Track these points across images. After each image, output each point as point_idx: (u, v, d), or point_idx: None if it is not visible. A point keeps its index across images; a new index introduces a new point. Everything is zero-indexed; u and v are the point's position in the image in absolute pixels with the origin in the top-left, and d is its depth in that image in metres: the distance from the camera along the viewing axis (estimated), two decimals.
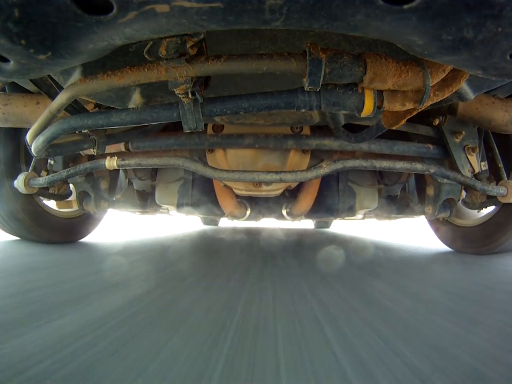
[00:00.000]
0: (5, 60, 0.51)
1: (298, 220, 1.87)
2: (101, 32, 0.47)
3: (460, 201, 1.44)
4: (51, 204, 1.65)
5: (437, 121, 1.14)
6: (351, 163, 1.09)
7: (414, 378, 0.42)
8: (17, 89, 1.16)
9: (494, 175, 1.38)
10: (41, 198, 1.51)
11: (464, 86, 0.81)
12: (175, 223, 4.13)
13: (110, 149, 1.23)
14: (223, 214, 1.63)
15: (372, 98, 0.63)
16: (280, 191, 1.46)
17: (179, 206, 1.58)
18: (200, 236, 2.79)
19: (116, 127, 0.91)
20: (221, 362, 0.45)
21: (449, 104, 1.10)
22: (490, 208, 1.57)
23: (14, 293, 0.74)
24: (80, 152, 1.32)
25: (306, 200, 1.53)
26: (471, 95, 0.84)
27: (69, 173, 1.20)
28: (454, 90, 0.65)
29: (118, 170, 1.62)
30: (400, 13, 0.42)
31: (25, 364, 0.42)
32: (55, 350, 0.46)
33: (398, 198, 1.74)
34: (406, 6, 0.41)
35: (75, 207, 1.57)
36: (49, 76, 0.89)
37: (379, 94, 0.64)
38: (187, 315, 0.64)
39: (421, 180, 1.60)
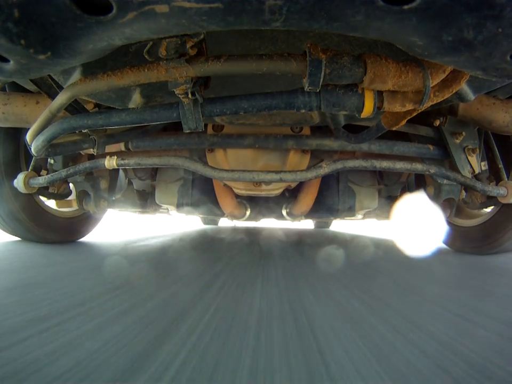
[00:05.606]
0: (5, 60, 0.51)
1: (298, 220, 1.87)
2: (101, 33, 0.47)
3: (460, 201, 1.44)
4: (50, 203, 1.65)
5: (437, 122, 1.14)
6: (351, 163, 1.09)
7: None
8: (17, 89, 1.16)
9: (494, 176, 1.38)
10: (41, 197, 1.51)
11: (464, 87, 0.81)
12: (174, 222, 4.13)
13: (110, 148, 1.22)
14: (223, 214, 1.63)
15: (371, 99, 0.63)
16: (280, 191, 1.46)
17: (179, 206, 1.58)
18: (201, 235, 2.78)
19: (116, 127, 0.91)
20: None
21: (450, 105, 1.10)
22: (491, 208, 1.58)
23: None
24: (80, 151, 1.32)
25: (306, 200, 1.53)
26: (471, 96, 0.84)
27: (69, 172, 1.20)
28: (454, 91, 0.65)
29: (118, 170, 1.62)
30: (400, 14, 0.42)
31: None
32: None
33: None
34: (406, 7, 0.41)
35: (75, 206, 1.57)
36: (49, 75, 0.89)
37: (379, 94, 0.64)
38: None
39: (420, 180, 1.60)
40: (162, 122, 0.84)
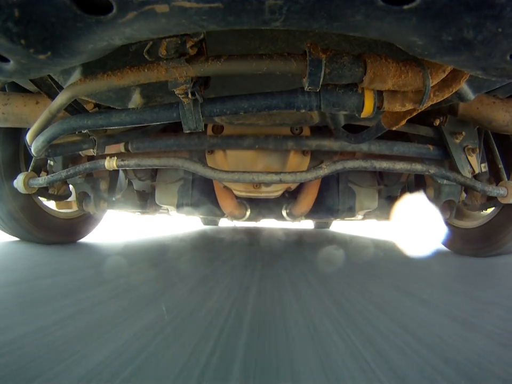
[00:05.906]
0: (5, 60, 0.51)
1: (298, 221, 1.86)
2: (101, 32, 0.46)
3: (460, 203, 1.43)
4: (50, 204, 1.64)
5: (437, 122, 1.14)
6: (351, 164, 1.09)
7: None
8: (17, 89, 1.16)
9: (494, 177, 1.38)
10: (41, 198, 1.51)
11: (464, 87, 0.81)
12: (174, 223, 4.12)
13: (109, 149, 1.22)
14: (223, 215, 1.63)
15: (371, 99, 0.63)
16: (280, 193, 1.46)
17: (179, 206, 1.58)
18: (201, 236, 2.78)
19: (116, 128, 0.91)
20: None
21: (450, 104, 1.10)
22: (491, 210, 1.57)
23: None
24: (80, 152, 1.31)
25: (306, 200, 1.52)
26: (471, 95, 0.83)
27: (69, 173, 1.20)
28: (454, 91, 0.65)
29: (118, 170, 1.61)
30: (400, 14, 0.42)
31: None
32: None
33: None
34: (406, 7, 0.41)
35: (75, 207, 1.57)
36: (49, 75, 0.89)
37: (379, 94, 0.64)
38: None
39: (420, 180, 1.60)
40: (162, 123, 0.84)
